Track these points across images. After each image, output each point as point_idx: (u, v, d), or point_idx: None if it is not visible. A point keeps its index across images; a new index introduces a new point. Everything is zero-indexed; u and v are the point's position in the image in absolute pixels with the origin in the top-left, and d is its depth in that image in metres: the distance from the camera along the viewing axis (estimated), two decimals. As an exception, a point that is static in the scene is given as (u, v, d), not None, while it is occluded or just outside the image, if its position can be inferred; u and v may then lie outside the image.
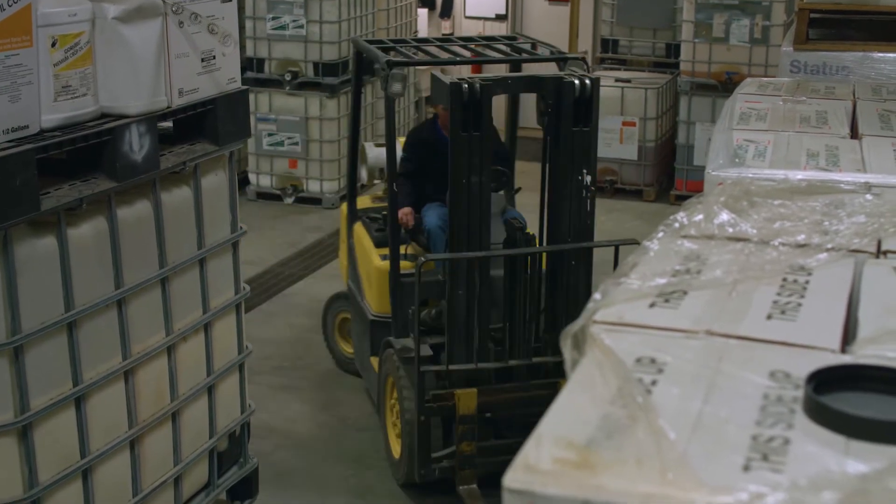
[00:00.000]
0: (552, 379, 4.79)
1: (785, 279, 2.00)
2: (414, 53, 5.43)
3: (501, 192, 5.72)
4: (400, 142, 6.00)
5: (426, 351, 4.98)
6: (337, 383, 6.32)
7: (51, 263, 3.33)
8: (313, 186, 9.76)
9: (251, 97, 8.74)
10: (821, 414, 1.46)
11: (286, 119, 9.64)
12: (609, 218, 9.18)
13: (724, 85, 9.40)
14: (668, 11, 10.55)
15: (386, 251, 5.40)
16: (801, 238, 2.20)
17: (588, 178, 4.80)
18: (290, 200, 9.77)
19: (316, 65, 9.52)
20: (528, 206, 6.10)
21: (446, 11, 12.82)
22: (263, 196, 9.84)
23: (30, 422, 3.28)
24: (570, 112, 4.73)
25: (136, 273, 3.69)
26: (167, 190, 3.85)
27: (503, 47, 5.65)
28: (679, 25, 10.16)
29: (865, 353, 1.68)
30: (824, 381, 1.54)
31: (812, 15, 6.29)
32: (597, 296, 1.94)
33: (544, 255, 4.94)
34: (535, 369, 4.92)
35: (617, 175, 10.07)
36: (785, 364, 1.63)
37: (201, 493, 4.26)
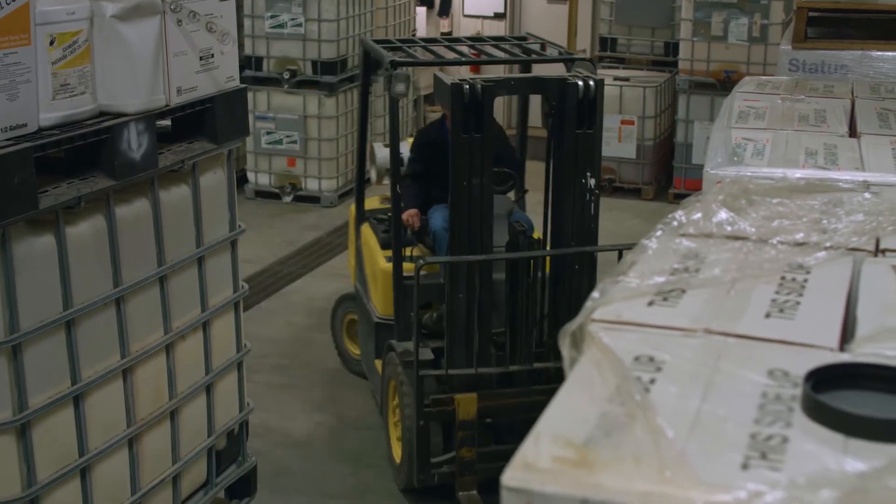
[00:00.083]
0: (554, 384, 4.68)
1: (783, 277, 2.00)
2: (422, 54, 5.40)
3: (509, 195, 5.65)
4: (409, 142, 5.98)
5: (427, 355, 4.92)
6: (336, 382, 6.32)
7: (49, 262, 3.32)
8: (312, 185, 9.76)
9: (250, 95, 8.77)
10: (819, 412, 1.46)
11: (285, 117, 9.64)
12: (608, 217, 9.14)
13: (723, 83, 9.40)
14: (667, 10, 10.56)
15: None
16: (799, 236, 2.21)
17: (592, 181, 4.75)
18: (288, 199, 9.77)
19: (314, 63, 9.52)
20: (532, 207, 6.09)
21: (445, 10, 12.82)
22: (262, 194, 9.83)
23: (28, 420, 3.28)
24: (574, 114, 4.68)
25: (135, 271, 3.69)
26: (165, 188, 3.84)
27: (511, 48, 5.58)
28: (677, 24, 10.16)
29: (864, 352, 1.68)
30: (823, 380, 1.54)
31: (811, 13, 6.29)
32: (595, 294, 1.94)
33: (547, 258, 4.88)
34: (537, 374, 4.86)
35: (615, 174, 10.07)
36: (783, 362, 1.64)
37: (200, 492, 4.26)
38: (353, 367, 6.35)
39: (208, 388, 4.19)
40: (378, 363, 5.57)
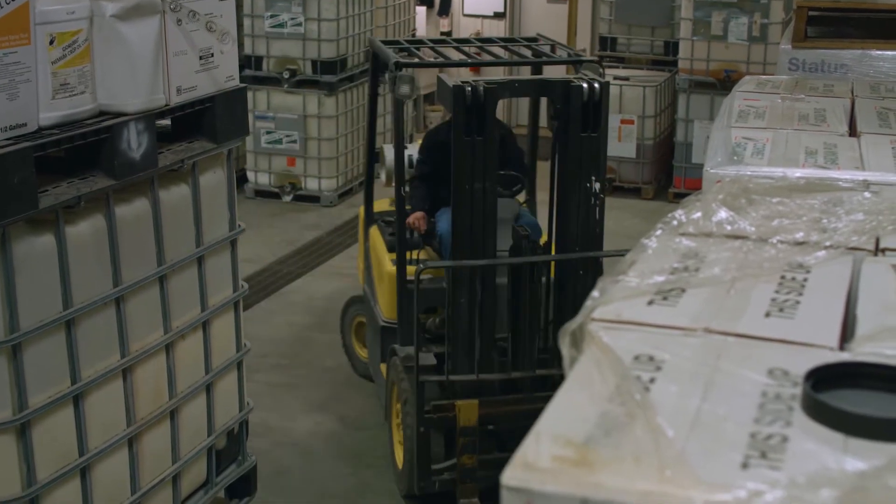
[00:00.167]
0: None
1: (783, 277, 2.00)
2: (431, 55, 5.35)
3: (518, 197, 5.55)
4: (418, 143, 5.92)
5: (429, 360, 4.84)
6: (336, 381, 6.32)
7: (49, 261, 3.32)
8: (311, 184, 9.76)
9: (249, 95, 8.78)
10: (819, 411, 1.46)
11: (284, 117, 9.63)
12: (608, 216, 9.07)
13: (723, 83, 9.40)
14: (667, 9, 10.56)
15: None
16: (799, 236, 2.20)
17: (597, 186, 4.68)
18: (288, 198, 9.77)
19: (314, 62, 9.51)
20: (540, 209, 6.03)
21: (444, 9, 12.82)
22: (262, 194, 9.83)
23: (28, 420, 3.28)
24: (579, 117, 4.61)
25: (135, 271, 3.69)
26: (165, 188, 3.85)
27: (519, 50, 5.50)
28: (677, 23, 10.16)
29: (864, 351, 1.68)
30: (823, 379, 1.54)
31: (810, 13, 6.29)
32: (595, 293, 1.94)
33: (552, 263, 4.82)
34: (540, 381, 4.78)
35: (615, 173, 10.07)
36: (783, 362, 1.63)
37: (200, 491, 4.26)
38: (362, 371, 6.28)
39: (208, 388, 4.19)
40: (383, 367, 5.50)
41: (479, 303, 4.71)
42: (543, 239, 5.21)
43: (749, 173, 3.31)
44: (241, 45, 9.16)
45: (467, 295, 4.69)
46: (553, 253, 4.95)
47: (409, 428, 4.80)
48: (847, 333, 1.78)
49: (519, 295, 4.74)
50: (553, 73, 5.74)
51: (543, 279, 4.79)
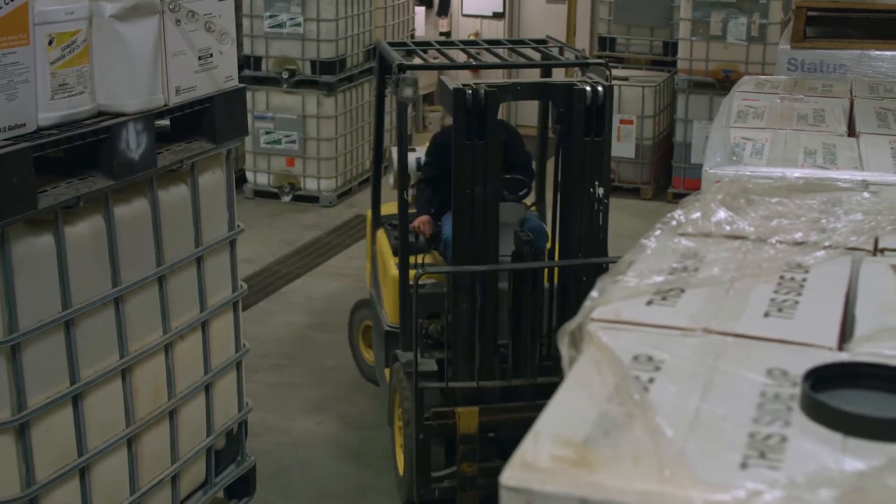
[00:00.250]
0: None
1: (782, 277, 2.00)
2: (435, 57, 5.28)
3: (523, 202, 5.43)
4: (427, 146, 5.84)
5: (430, 366, 4.78)
6: (335, 381, 6.31)
7: (48, 261, 3.32)
8: (311, 184, 9.76)
9: (248, 95, 8.77)
10: (818, 411, 1.46)
11: (283, 117, 9.63)
12: (606, 216, 9.17)
13: (722, 83, 9.40)
14: (666, 9, 10.56)
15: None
16: (798, 236, 2.21)
17: (600, 190, 4.60)
18: (287, 198, 9.77)
19: (313, 63, 9.51)
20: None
21: (443, 9, 12.82)
22: (261, 194, 9.83)
23: (27, 420, 3.28)
24: (582, 121, 4.54)
25: (134, 271, 3.69)
26: (164, 188, 3.84)
27: (528, 52, 5.38)
28: (676, 23, 10.16)
29: (862, 351, 1.68)
30: (821, 379, 1.54)
31: (809, 13, 6.29)
32: (594, 293, 1.94)
33: (555, 269, 4.76)
34: (542, 388, 4.67)
35: (614, 173, 10.05)
36: (782, 362, 1.64)
37: (199, 492, 4.26)
38: (369, 374, 6.21)
39: (207, 388, 4.19)
40: (387, 372, 5.42)
41: (479, 309, 4.64)
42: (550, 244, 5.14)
43: (748, 173, 3.31)
44: (240, 46, 9.16)
45: (468, 301, 4.63)
46: (557, 259, 4.87)
47: (409, 435, 4.74)
48: (846, 333, 1.78)
49: (520, 301, 4.68)
50: (563, 75, 5.65)
51: (546, 285, 4.72)
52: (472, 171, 4.51)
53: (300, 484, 5.23)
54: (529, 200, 5.60)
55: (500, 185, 4.71)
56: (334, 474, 5.32)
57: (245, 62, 9.43)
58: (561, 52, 5.44)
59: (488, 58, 5.51)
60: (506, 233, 4.77)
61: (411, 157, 5.97)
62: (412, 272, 4.92)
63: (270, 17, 9.49)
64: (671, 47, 10.41)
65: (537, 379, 4.70)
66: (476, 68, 5.49)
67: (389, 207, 6.06)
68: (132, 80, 3.59)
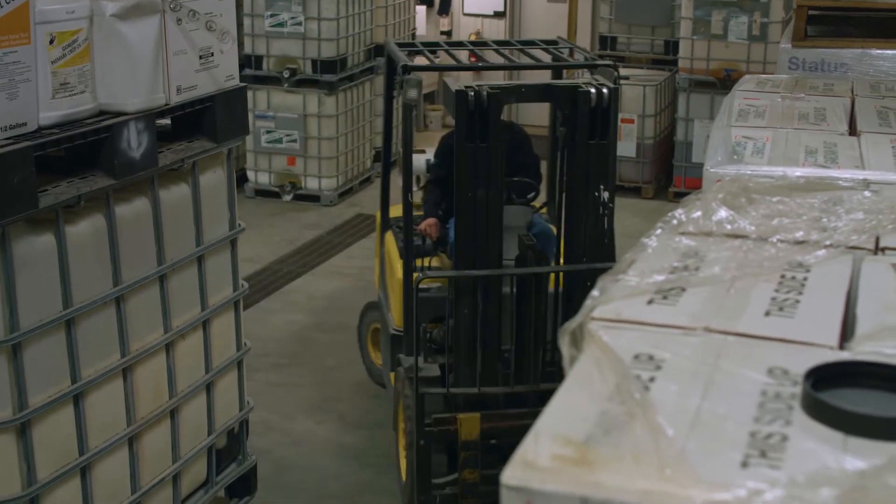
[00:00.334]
0: None
1: (783, 276, 2.00)
2: (437, 57, 5.22)
3: (530, 206, 5.34)
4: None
5: (433, 371, 4.73)
6: (335, 380, 6.32)
7: (49, 261, 3.32)
8: (312, 184, 9.76)
9: (249, 94, 8.78)
10: (819, 410, 1.46)
11: (284, 116, 9.64)
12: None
13: (723, 82, 9.40)
14: (667, 8, 10.56)
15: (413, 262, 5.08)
16: (799, 235, 2.20)
17: (605, 194, 4.53)
18: (288, 198, 9.77)
19: (314, 62, 9.52)
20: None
21: (444, 8, 12.82)
22: (262, 193, 9.83)
23: (28, 419, 3.28)
24: (586, 123, 4.48)
25: (135, 270, 3.69)
26: (165, 187, 3.85)
27: (535, 52, 5.32)
28: (677, 22, 10.17)
29: (864, 350, 1.68)
30: (822, 378, 1.54)
31: (810, 12, 6.28)
32: (595, 292, 1.94)
33: (561, 274, 4.69)
34: (545, 395, 4.59)
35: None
36: (783, 361, 1.63)
37: (200, 491, 4.26)
38: (378, 377, 6.15)
39: (208, 387, 4.19)
40: (393, 376, 5.35)
41: (482, 314, 4.58)
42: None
43: (749, 172, 3.31)
44: (241, 45, 9.16)
45: (470, 305, 4.58)
46: (562, 263, 4.79)
47: (410, 438, 4.69)
48: (847, 332, 1.78)
49: (524, 306, 4.62)
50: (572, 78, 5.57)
51: (551, 290, 4.65)
52: (474, 175, 4.44)
53: (301, 483, 5.23)
54: (539, 202, 5.52)
55: (505, 189, 4.64)
56: (335, 473, 5.33)
57: (246, 61, 9.43)
58: (571, 54, 5.35)
59: (494, 59, 5.42)
60: (511, 236, 4.71)
61: (421, 159, 5.95)
62: (416, 275, 4.86)
63: (271, 16, 9.49)
64: (672, 46, 10.41)
65: (540, 385, 4.63)
66: (480, 69, 5.40)
67: (399, 209, 6.00)
68: (133, 79, 3.59)
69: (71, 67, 3.37)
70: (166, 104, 3.76)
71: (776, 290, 1.93)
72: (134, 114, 3.58)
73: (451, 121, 4.79)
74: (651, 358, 1.66)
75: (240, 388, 4.44)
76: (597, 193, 4.53)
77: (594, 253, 4.57)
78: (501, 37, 12.58)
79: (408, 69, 4.74)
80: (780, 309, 1.84)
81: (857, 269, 2.04)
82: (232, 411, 4.39)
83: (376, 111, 10.45)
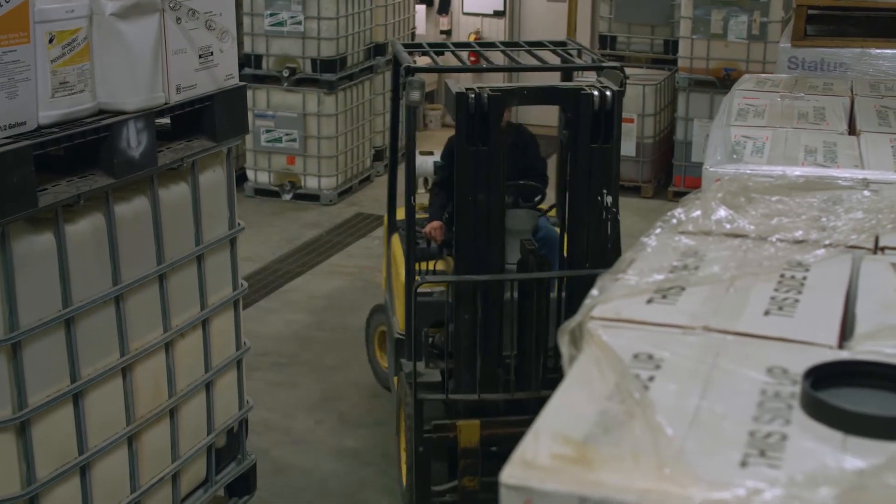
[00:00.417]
0: None
1: (782, 275, 2.00)
2: (440, 55, 5.15)
3: (537, 209, 5.26)
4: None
5: (434, 376, 4.68)
6: (335, 379, 6.32)
7: (48, 260, 3.32)
8: (311, 183, 9.76)
9: (249, 93, 8.78)
10: (818, 410, 1.46)
11: (284, 115, 9.63)
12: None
13: (723, 81, 9.40)
14: (667, 8, 10.56)
15: (417, 265, 5.03)
16: (798, 234, 2.21)
17: (608, 199, 4.44)
18: (287, 197, 9.77)
19: (314, 61, 9.51)
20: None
21: (444, 7, 12.82)
22: (261, 192, 9.83)
23: (28, 418, 3.28)
24: (589, 126, 4.39)
25: (134, 270, 3.69)
26: (165, 186, 3.84)
27: (542, 54, 5.21)
28: (677, 22, 10.17)
29: (863, 349, 1.68)
30: (822, 377, 1.54)
31: (810, 11, 6.28)
32: (594, 292, 1.94)
33: (564, 279, 4.62)
34: (546, 402, 4.49)
35: (615, 171, 10.06)
36: (782, 360, 1.64)
37: (199, 490, 4.26)
38: (385, 382, 6.06)
39: (208, 386, 4.19)
40: (396, 380, 5.31)
41: (482, 319, 4.52)
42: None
43: (748, 172, 3.31)
44: (240, 44, 9.16)
45: (470, 310, 4.50)
46: (566, 268, 4.71)
47: (409, 446, 4.64)
48: (846, 332, 1.78)
49: (525, 311, 4.56)
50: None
51: (553, 295, 4.59)
52: (475, 178, 4.38)
53: (300, 482, 5.23)
54: (546, 204, 5.43)
55: (507, 192, 4.59)
56: (334, 472, 5.33)
57: (246, 60, 9.43)
58: (580, 55, 5.27)
59: (498, 60, 5.35)
60: (516, 241, 4.66)
61: (429, 161, 5.92)
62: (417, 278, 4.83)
63: (271, 15, 9.49)
64: (672, 45, 10.41)
65: (541, 392, 4.55)
66: (484, 71, 5.33)
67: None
68: (132, 78, 3.59)
69: (70, 66, 3.37)
70: (166, 103, 3.76)
71: (775, 290, 1.93)
72: (133, 113, 3.58)
73: (450, 120, 4.72)
74: (650, 357, 1.66)
75: (239, 388, 4.44)
76: (599, 198, 4.46)
77: (597, 258, 4.49)
78: (501, 36, 12.59)
79: (411, 71, 4.67)
80: (780, 308, 1.84)
81: (856, 269, 2.04)
82: (231, 410, 4.39)
83: (376, 110, 10.46)
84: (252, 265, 7.88)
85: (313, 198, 9.73)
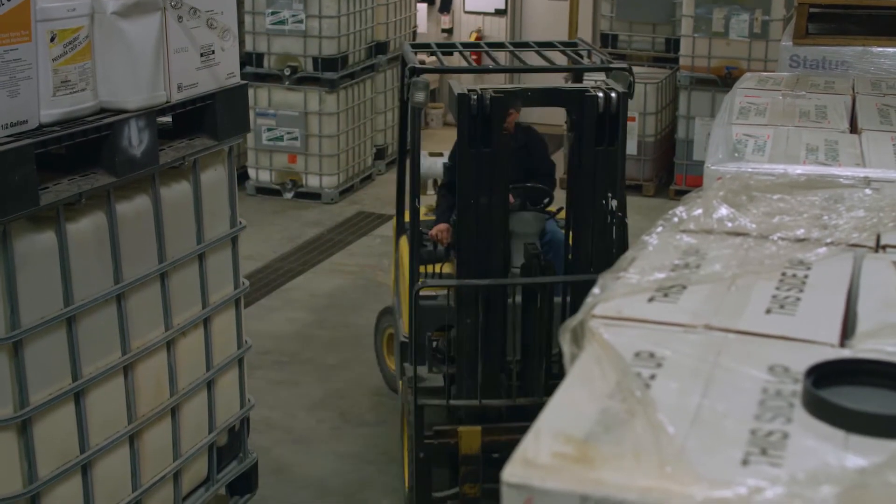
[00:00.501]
0: None
1: (784, 274, 2.00)
2: (444, 53, 5.11)
3: (545, 212, 5.20)
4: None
5: (436, 381, 4.63)
6: (336, 378, 6.32)
7: (50, 258, 3.33)
8: (313, 181, 9.76)
9: (250, 92, 8.76)
10: (820, 408, 1.46)
11: (285, 114, 9.64)
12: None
13: (724, 80, 9.40)
14: (668, 6, 10.56)
15: (424, 268, 4.99)
16: (800, 232, 2.20)
17: (614, 203, 4.35)
18: (289, 195, 9.78)
19: (315, 60, 9.52)
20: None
21: (445, 6, 12.82)
22: (263, 191, 9.84)
23: (29, 417, 3.28)
24: (594, 129, 4.32)
25: (136, 268, 3.69)
26: (166, 185, 3.85)
27: (550, 55, 5.16)
28: (678, 20, 10.16)
29: (864, 348, 1.68)
30: (823, 376, 1.54)
31: (811, 9, 6.28)
32: (595, 290, 1.94)
33: (569, 284, 4.55)
34: None
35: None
36: (784, 358, 1.63)
37: (201, 488, 4.27)
38: (394, 384, 5.97)
39: (209, 385, 4.20)
40: (401, 384, 5.22)
41: (484, 324, 4.45)
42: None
43: (750, 170, 3.31)
44: (242, 42, 9.15)
45: (472, 315, 4.44)
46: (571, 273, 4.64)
47: (410, 451, 4.60)
48: (848, 330, 1.78)
49: (529, 316, 4.51)
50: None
51: (557, 300, 4.53)
52: (477, 181, 4.31)
53: (301, 481, 5.24)
54: (554, 208, 5.37)
55: (511, 195, 4.53)
56: (335, 471, 5.33)
57: (247, 59, 9.43)
58: (589, 56, 5.20)
59: (504, 61, 5.29)
60: (521, 244, 4.62)
61: (438, 162, 5.89)
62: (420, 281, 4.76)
63: (272, 13, 9.49)
64: (673, 44, 10.41)
65: (544, 398, 4.45)
66: (489, 72, 5.28)
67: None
68: (134, 76, 3.59)
69: (72, 65, 3.37)
70: (167, 102, 3.76)
71: (777, 288, 1.93)
72: (135, 111, 3.58)
73: (452, 119, 4.68)
74: (652, 355, 1.66)
75: (241, 386, 4.44)
76: (605, 202, 4.38)
77: (602, 263, 4.33)
78: (502, 34, 12.59)
79: (415, 72, 4.60)
80: (781, 306, 1.84)
81: (857, 267, 2.04)
82: (233, 409, 4.40)
83: (377, 109, 10.46)
84: (253, 263, 7.88)
85: (315, 196, 9.73)
